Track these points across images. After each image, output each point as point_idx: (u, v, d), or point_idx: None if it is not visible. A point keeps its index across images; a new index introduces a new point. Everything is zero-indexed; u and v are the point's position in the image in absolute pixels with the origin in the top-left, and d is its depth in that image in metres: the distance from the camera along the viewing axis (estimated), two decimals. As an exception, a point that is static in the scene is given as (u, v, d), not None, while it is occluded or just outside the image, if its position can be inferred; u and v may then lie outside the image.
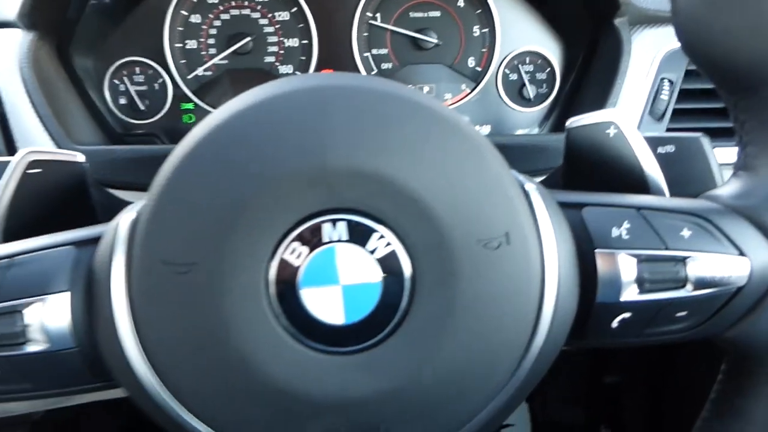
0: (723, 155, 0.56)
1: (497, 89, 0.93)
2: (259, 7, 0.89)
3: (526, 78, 0.92)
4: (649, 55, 0.80)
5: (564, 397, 1.28)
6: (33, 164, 0.43)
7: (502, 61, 0.92)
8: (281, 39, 0.90)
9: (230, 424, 0.35)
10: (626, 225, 0.38)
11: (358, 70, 0.91)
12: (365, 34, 0.91)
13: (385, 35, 0.92)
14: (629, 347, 0.55)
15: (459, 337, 0.34)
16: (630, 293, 0.38)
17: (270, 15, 0.90)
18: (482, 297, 0.34)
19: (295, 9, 0.89)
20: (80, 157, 0.45)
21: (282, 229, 0.33)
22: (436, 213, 0.33)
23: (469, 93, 0.93)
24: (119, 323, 0.34)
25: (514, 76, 0.93)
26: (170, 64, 0.88)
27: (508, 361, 0.36)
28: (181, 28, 0.88)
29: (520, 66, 0.92)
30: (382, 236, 0.34)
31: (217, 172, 0.33)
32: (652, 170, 0.45)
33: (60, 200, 0.44)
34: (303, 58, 0.91)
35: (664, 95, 0.79)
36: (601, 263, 0.38)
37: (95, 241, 0.36)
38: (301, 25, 0.90)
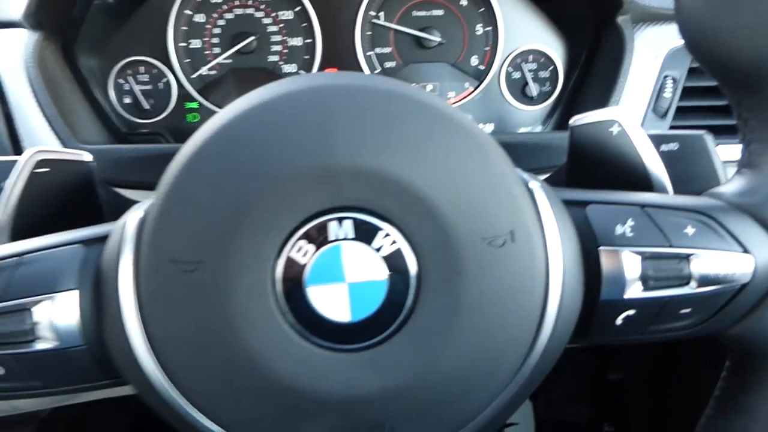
0: (727, 153, 0.56)
1: (500, 87, 0.93)
2: (262, 7, 0.89)
3: (529, 76, 0.92)
4: (652, 52, 0.80)
5: (568, 395, 1.28)
6: (41, 163, 0.43)
7: (505, 59, 0.92)
8: (285, 38, 0.91)
9: (237, 420, 0.35)
10: (630, 222, 0.38)
11: (361, 69, 0.91)
12: (368, 32, 0.91)
13: (388, 34, 0.92)
14: (633, 344, 0.55)
15: (464, 335, 0.34)
16: (634, 290, 0.38)
17: (273, 14, 0.90)
18: (487, 295, 0.34)
19: (298, 8, 0.90)
20: (87, 157, 0.46)
21: (288, 227, 0.33)
22: (441, 211, 0.34)
23: (473, 91, 0.93)
24: (127, 321, 0.34)
25: (517, 75, 0.93)
26: (174, 64, 0.88)
27: (513, 358, 0.36)
28: (185, 28, 0.89)
29: (523, 64, 0.92)
30: (387, 234, 0.34)
31: (223, 171, 0.33)
32: (656, 168, 0.45)
33: (67, 199, 0.45)
34: (306, 57, 0.91)
35: (668, 93, 0.79)
36: (606, 261, 0.38)
37: (103, 239, 0.37)
38: (305, 24, 0.90)
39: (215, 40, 0.89)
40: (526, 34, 0.92)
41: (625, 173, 0.46)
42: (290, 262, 0.34)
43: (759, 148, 0.41)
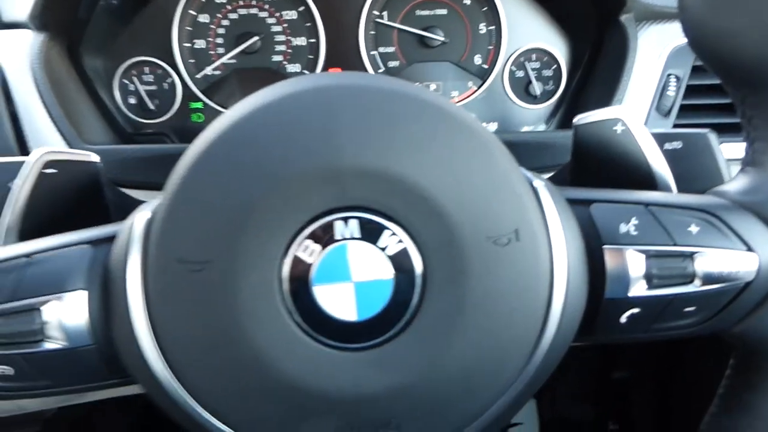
0: (731, 151, 0.56)
1: (504, 86, 0.93)
2: (266, 7, 0.90)
3: (532, 75, 0.92)
4: (656, 51, 0.80)
5: (573, 394, 1.28)
6: (49, 164, 0.43)
7: (509, 58, 0.92)
8: (289, 38, 0.91)
9: (244, 419, 0.35)
10: (634, 221, 0.38)
11: (365, 69, 0.91)
12: (372, 32, 0.91)
13: (391, 33, 0.92)
14: (637, 343, 0.55)
15: (469, 334, 0.34)
16: (638, 289, 0.38)
17: (277, 14, 0.90)
18: (492, 294, 0.34)
19: (302, 8, 0.90)
20: (95, 157, 0.46)
21: (294, 227, 0.34)
22: (446, 210, 0.34)
23: (476, 90, 0.93)
24: (135, 321, 0.34)
25: (520, 74, 0.93)
26: (179, 64, 0.89)
27: (518, 357, 0.36)
28: (189, 28, 0.89)
29: (526, 63, 0.92)
30: (393, 233, 0.34)
31: (230, 171, 0.33)
32: (660, 166, 0.45)
33: (74, 199, 0.45)
34: (310, 56, 0.91)
35: (671, 91, 0.79)
36: (610, 259, 0.38)
37: (111, 239, 0.37)
38: (309, 24, 0.90)
39: (219, 40, 0.90)
40: (529, 32, 0.92)
41: (629, 172, 0.46)
42: (297, 261, 0.34)
43: (763, 146, 0.41)
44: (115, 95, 0.88)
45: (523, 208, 0.35)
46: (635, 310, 0.39)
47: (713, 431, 0.46)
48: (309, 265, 0.34)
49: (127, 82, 0.88)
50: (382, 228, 0.34)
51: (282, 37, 0.91)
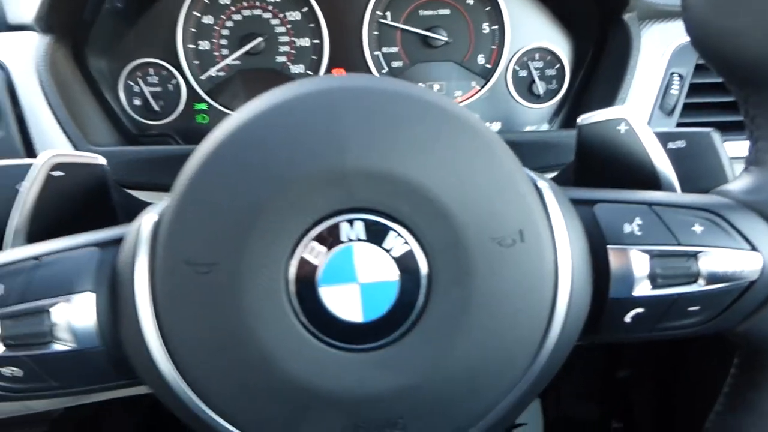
0: (735, 149, 0.56)
1: (507, 86, 0.93)
2: (270, 8, 0.90)
3: (535, 74, 0.92)
4: (659, 49, 0.80)
5: (577, 393, 1.28)
6: (56, 167, 0.44)
7: (512, 57, 0.92)
8: (292, 39, 0.91)
9: (251, 419, 0.36)
10: (638, 221, 0.38)
11: (368, 69, 0.92)
12: (375, 32, 0.92)
13: (395, 34, 0.92)
14: (641, 342, 0.56)
15: (474, 335, 0.35)
16: (642, 288, 0.38)
17: (281, 15, 0.90)
18: (497, 294, 0.35)
19: (306, 9, 0.90)
20: (101, 160, 0.46)
21: (301, 228, 0.34)
22: (451, 211, 0.34)
23: (479, 90, 0.93)
24: (143, 322, 0.34)
25: (523, 73, 0.93)
26: (183, 65, 0.89)
27: (523, 357, 0.36)
28: (193, 30, 0.89)
29: (529, 62, 0.92)
30: (398, 235, 0.34)
31: (237, 174, 0.34)
32: (663, 166, 0.45)
33: (82, 201, 0.45)
34: (314, 57, 0.91)
35: (674, 90, 0.79)
36: (614, 259, 0.38)
37: (118, 241, 0.37)
38: (312, 25, 0.90)
39: (223, 42, 0.90)
40: (532, 32, 0.92)
41: (632, 171, 0.46)
42: (303, 262, 0.34)
43: (766, 145, 0.41)
44: (120, 97, 0.89)
45: (528, 208, 0.35)
46: (639, 310, 0.39)
47: (718, 430, 0.46)
48: (315, 267, 0.34)
49: (132, 83, 0.89)
50: (388, 229, 0.34)
51: (286, 38, 0.91)
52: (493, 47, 0.92)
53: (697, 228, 0.39)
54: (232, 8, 0.89)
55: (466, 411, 0.37)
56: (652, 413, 1.21)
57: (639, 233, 0.38)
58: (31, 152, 0.73)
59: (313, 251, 0.34)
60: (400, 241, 0.34)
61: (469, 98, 0.93)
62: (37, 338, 0.35)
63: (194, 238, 0.34)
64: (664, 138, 0.49)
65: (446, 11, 0.92)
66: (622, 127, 0.46)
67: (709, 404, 0.47)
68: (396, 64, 0.93)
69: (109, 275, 0.36)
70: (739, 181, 0.42)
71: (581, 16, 0.90)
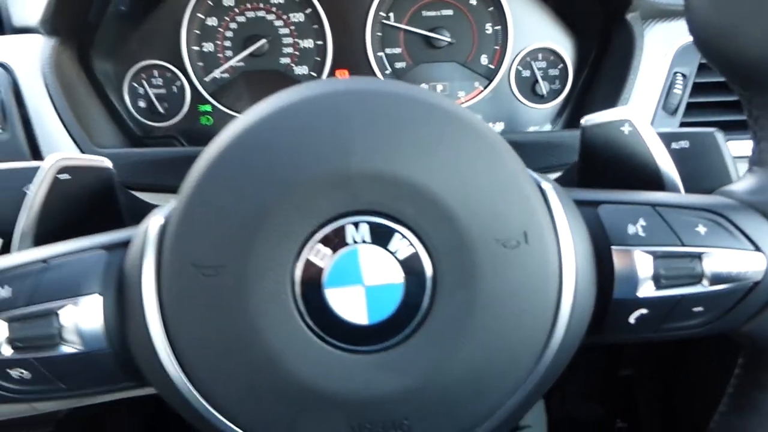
0: (738, 148, 0.56)
1: (510, 86, 0.93)
2: (273, 9, 0.90)
3: (539, 74, 0.92)
4: (662, 49, 0.80)
5: (581, 393, 1.28)
6: (63, 170, 0.44)
7: (515, 58, 0.92)
8: (296, 40, 0.91)
9: (257, 421, 0.36)
10: (642, 222, 0.39)
11: (372, 70, 0.92)
12: (379, 33, 0.92)
13: (398, 35, 0.92)
14: (645, 342, 0.56)
15: (479, 336, 0.35)
16: (647, 289, 0.38)
17: (285, 16, 0.90)
18: (501, 296, 0.35)
19: (309, 10, 0.90)
20: (108, 163, 0.47)
21: (306, 231, 0.34)
22: (455, 213, 0.34)
23: (483, 90, 0.93)
24: (150, 324, 0.35)
25: (527, 73, 0.93)
26: (188, 67, 0.89)
27: (527, 358, 0.36)
28: (197, 31, 0.90)
29: (532, 63, 0.92)
30: (403, 237, 0.34)
31: (243, 177, 0.34)
32: (667, 167, 0.45)
33: (88, 204, 0.45)
34: (318, 58, 0.91)
35: (678, 89, 0.79)
36: (618, 260, 0.38)
37: (125, 244, 0.38)
38: (316, 26, 0.91)
39: (227, 43, 0.90)
40: (535, 32, 0.92)
41: (636, 172, 0.46)
42: (309, 265, 0.34)
43: (770, 146, 0.41)
44: (125, 99, 0.89)
45: (532, 210, 0.35)
46: (644, 311, 0.39)
47: (723, 430, 0.46)
48: (321, 269, 0.34)
49: (136, 85, 0.89)
50: (393, 232, 0.34)
51: (289, 40, 0.91)
52: (496, 48, 0.93)
53: (701, 229, 0.39)
54: (236, 10, 0.90)
55: (471, 412, 0.37)
56: (655, 412, 1.21)
57: (643, 234, 0.38)
58: (36, 154, 0.73)
59: (318, 254, 0.34)
60: (404, 243, 0.34)
61: (472, 99, 0.93)
62: (44, 340, 0.36)
63: (201, 240, 0.34)
64: (668, 138, 0.49)
65: (449, 12, 0.92)
66: (626, 128, 0.46)
67: (712, 403, 0.47)
68: (399, 64, 0.93)
69: (116, 278, 0.37)
70: (742, 182, 0.42)
71: (584, 16, 0.90)
